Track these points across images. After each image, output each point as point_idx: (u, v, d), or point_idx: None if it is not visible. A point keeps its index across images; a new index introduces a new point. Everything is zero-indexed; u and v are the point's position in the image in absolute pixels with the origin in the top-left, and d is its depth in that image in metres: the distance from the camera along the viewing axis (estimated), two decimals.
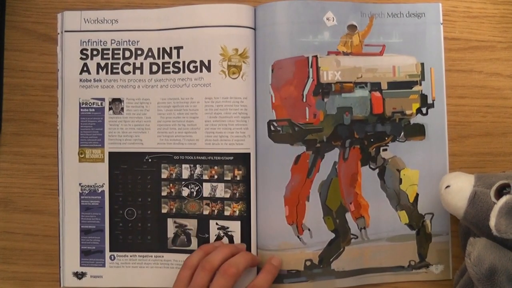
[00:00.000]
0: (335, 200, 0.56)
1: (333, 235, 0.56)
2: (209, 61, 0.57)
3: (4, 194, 0.58)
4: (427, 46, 0.57)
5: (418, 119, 0.57)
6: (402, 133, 0.56)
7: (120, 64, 0.58)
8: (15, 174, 0.58)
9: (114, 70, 0.58)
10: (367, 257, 0.56)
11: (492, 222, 0.44)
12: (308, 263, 0.56)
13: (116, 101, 0.58)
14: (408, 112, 0.56)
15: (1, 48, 0.58)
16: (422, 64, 0.57)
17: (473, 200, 0.48)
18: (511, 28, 0.59)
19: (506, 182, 0.47)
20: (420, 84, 0.57)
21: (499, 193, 0.46)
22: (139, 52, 0.58)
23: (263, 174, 0.56)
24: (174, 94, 0.57)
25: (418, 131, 0.56)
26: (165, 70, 0.58)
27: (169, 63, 0.58)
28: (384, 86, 0.56)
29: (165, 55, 0.58)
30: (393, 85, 0.57)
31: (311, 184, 0.56)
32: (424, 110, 0.57)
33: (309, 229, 0.56)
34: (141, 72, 0.58)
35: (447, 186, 0.50)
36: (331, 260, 0.56)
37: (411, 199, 0.57)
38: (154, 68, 0.58)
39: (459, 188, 0.49)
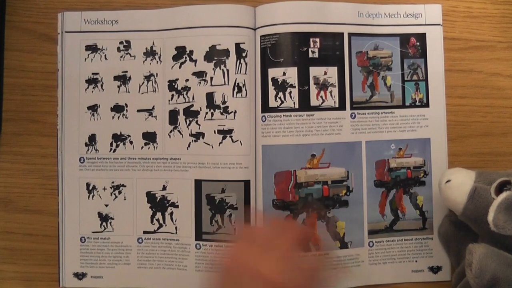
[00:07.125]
0: None
1: None
2: None
3: (4, 194, 0.58)
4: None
5: None
6: None
7: None
8: (15, 174, 0.58)
9: None
10: None
11: (490, 217, 0.44)
12: None
13: None
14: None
15: (1, 48, 0.58)
16: None
17: (473, 196, 0.47)
18: (511, 28, 0.59)
19: (506, 179, 0.46)
20: None
21: (499, 190, 0.46)
22: None
23: None
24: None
25: None
26: None
27: None
28: None
29: None
30: None
31: None
32: None
33: None
34: None
35: (448, 181, 0.49)
36: None
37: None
38: None
39: (460, 183, 0.48)
